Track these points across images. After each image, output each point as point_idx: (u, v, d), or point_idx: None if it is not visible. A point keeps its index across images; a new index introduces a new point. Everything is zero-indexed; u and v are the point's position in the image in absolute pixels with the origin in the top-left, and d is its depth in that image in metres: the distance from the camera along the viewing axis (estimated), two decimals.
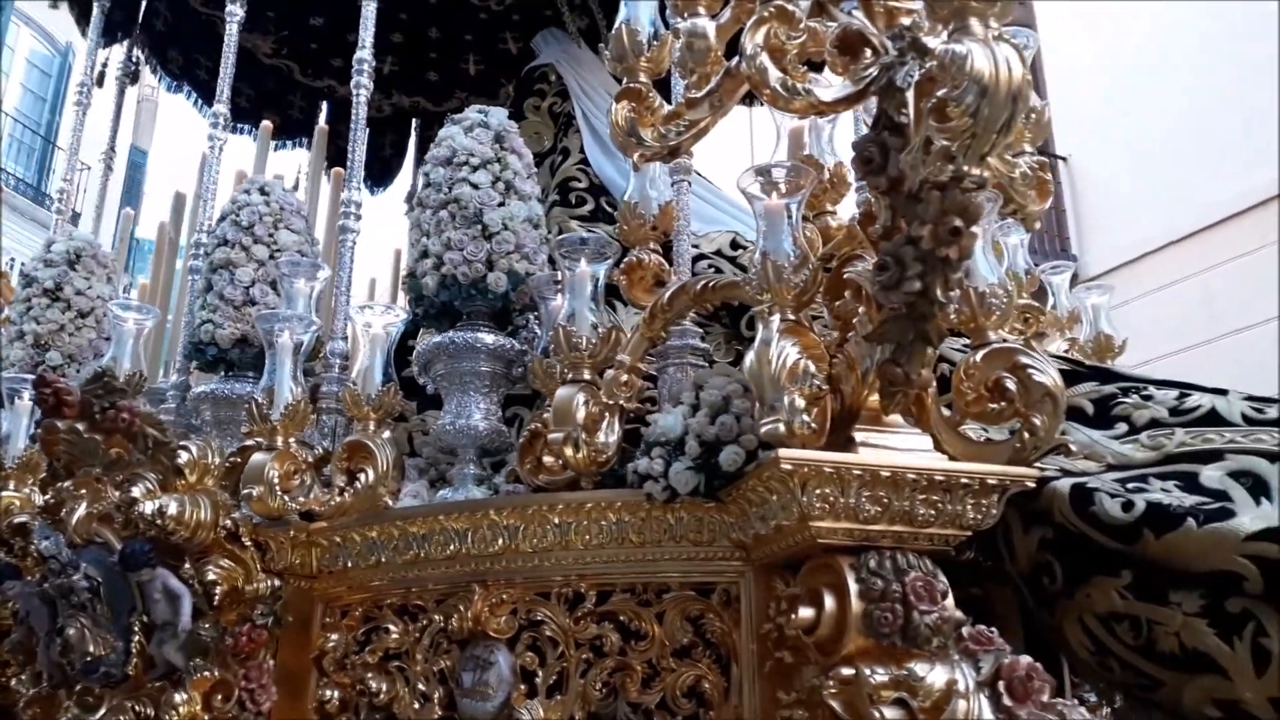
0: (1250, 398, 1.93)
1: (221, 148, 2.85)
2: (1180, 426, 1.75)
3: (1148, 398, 1.85)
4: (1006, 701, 1.31)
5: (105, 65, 3.96)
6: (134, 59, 4.00)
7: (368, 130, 4.81)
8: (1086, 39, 9.67)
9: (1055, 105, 9.93)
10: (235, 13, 2.96)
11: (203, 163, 3.02)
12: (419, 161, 4.83)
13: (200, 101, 4.38)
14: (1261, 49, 8.28)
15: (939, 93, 1.46)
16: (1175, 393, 1.85)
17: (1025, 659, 1.36)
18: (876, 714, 1.37)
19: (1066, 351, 3.41)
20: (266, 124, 3.55)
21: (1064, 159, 9.95)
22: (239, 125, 4.53)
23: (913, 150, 1.53)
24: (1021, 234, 3.56)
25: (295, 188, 3.85)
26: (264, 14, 4.24)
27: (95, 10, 3.59)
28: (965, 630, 1.42)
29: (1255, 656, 1.39)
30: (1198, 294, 8.51)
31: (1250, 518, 1.44)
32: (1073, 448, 1.71)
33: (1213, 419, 1.75)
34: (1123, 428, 1.82)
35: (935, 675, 1.37)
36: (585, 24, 3.84)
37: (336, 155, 4.06)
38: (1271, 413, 1.72)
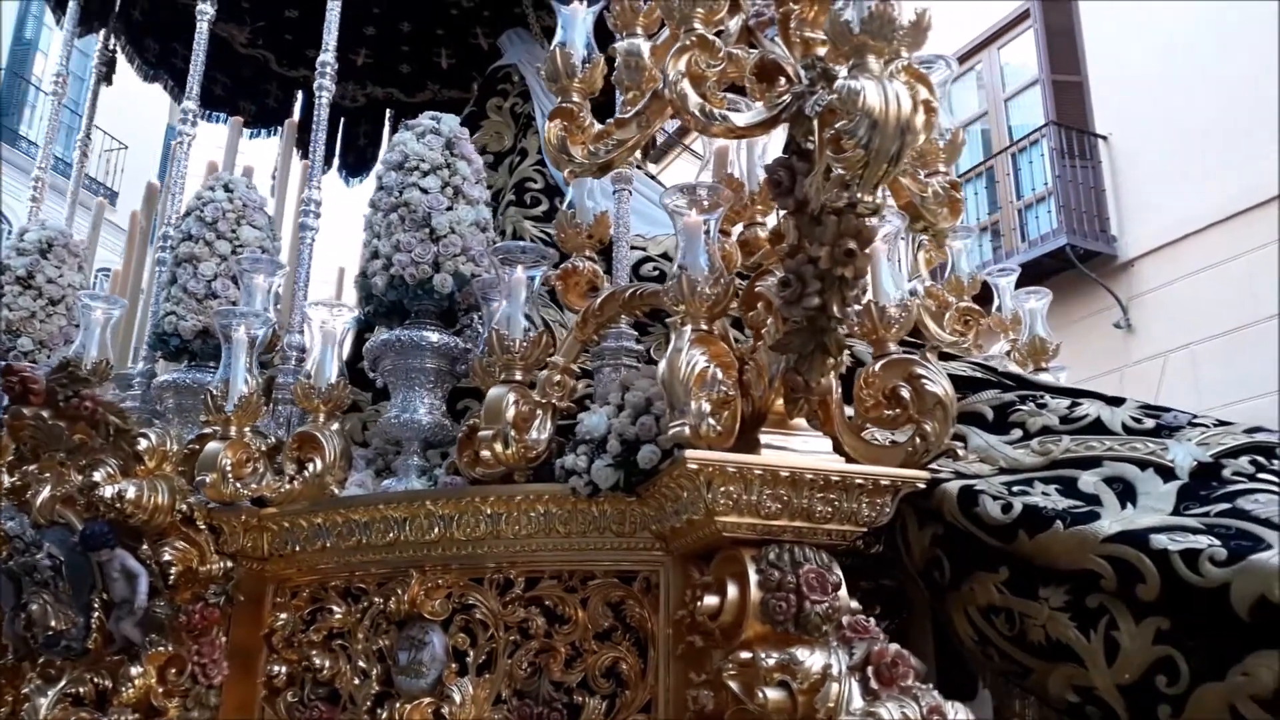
0: (1144, 406, 2.08)
1: (190, 143, 2.95)
2: (1068, 434, 1.89)
3: (1042, 406, 1.98)
4: (874, 685, 1.44)
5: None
6: (110, 49, 4.07)
7: (343, 121, 4.94)
8: (1127, 15, 9.26)
9: (1095, 83, 9.73)
10: (206, 10, 3.05)
11: (170, 155, 3.12)
12: None
13: (176, 90, 4.45)
14: None
15: (838, 124, 1.58)
16: (1067, 401, 1.98)
17: (894, 647, 1.50)
18: (760, 695, 1.51)
19: (1008, 353, 3.55)
20: (236, 118, 3.64)
21: (1104, 138, 9.65)
22: (215, 114, 4.62)
23: (815, 176, 1.66)
24: (967, 239, 3.70)
25: (273, 176, 3.95)
26: (239, 4, 4.32)
27: (71, 3, 3.68)
28: (845, 619, 1.55)
29: (1107, 647, 1.53)
30: (1241, 275, 8.14)
31: (1110, 521, 1.57)
32: (960, 452, 1.84)
33: (1097, 427, 1.89)
34: (1018, 433, 1.95)
35: (814, 660, 1.50)
36: (550, 23, 3.93)
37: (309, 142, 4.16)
38: (1149, 423, 1.86)
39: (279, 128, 4.79)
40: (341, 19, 2.95)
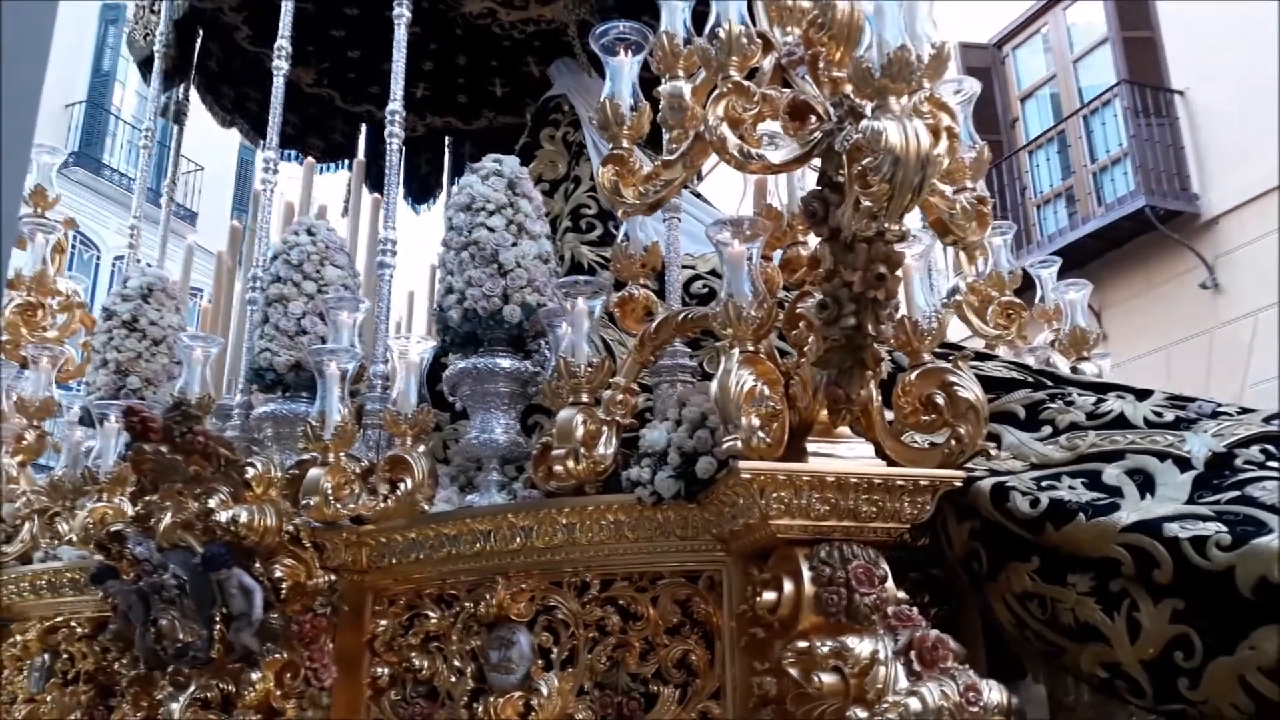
0: (1171, 397, 2.21)
1: (273, 190, 3.20)
2: (1094, 429, 2.04)
3: (1070, 403, 2.13)
4: (916, 667, 1.61)
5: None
6: (186, 99, 4.36)
7: (405, 151, 5.20)
8: None
9: (1169, 37, 9.32)
10: (281, 66, 3.30)
11: (255, 200, 3.38)
12: (453, 177, 5.16)
13: (251, 132, 4.74)
14: None
15: (864, 161, 1.75)
16: (1094, 398, 2.12)
17: (934, 632, 1.66)
18: (816, 679, 1.69)
19: (1051, 343, 3.66)
20: (309, 160, 3.90)
21: (1180, 93, 9.30)
22: (286, 151, 4.90)
23: (846, 207, 1.83)
24: (1007, 235, 3.82)
25: (344, 210, 4.21)
26: (305, 48, 4.58)
27: (156, 61, 3.96)
28: (890, 609, 1.72)
29: (1129, 627, 1.68)
30: None
31: (1128, 511, 1.72)
32: (993, 451, 2.00)
33: (1121, 422, 2.03)
34: (1048, 430, 2.10)
35: (863, 646, 1.68)
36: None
37: (377, 176, 4.41)
38: (1169, 416, 2.00)
39: (346, 161, 5.07)
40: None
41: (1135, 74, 9.42)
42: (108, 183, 14.28)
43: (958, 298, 3.62)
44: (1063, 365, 3.40)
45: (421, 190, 5.27)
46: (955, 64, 11.10)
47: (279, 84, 3.23)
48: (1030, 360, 3.42)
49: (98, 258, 14.10)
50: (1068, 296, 3.52)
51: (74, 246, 13.25)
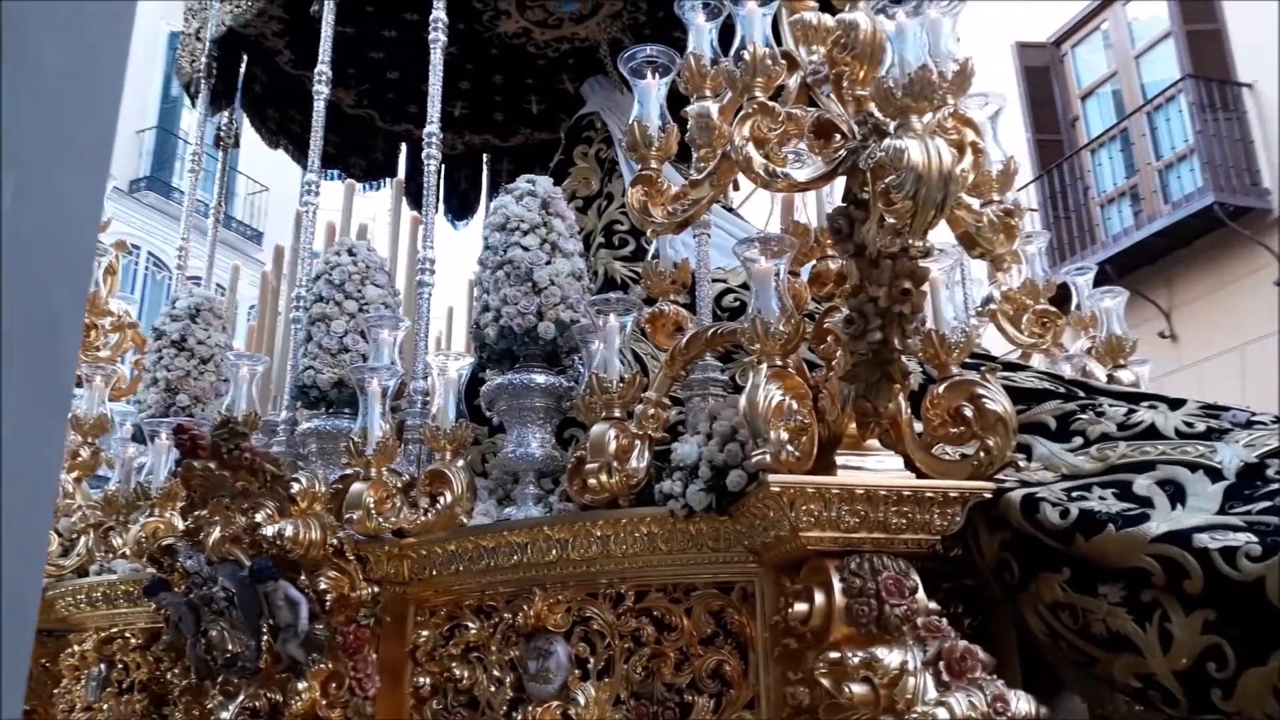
0: (1205, 406, 2.21)
1: (315, 211, 3.28)
2: (1125, 440, 2.04)
3: (1101, 414, 2.13)
4: (945, 678, 1.63)
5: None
6: (234, 124, 4.49)
7: (444, 168, 5.28)
8: None
9: (1235, 29, 9.12)
10: (322, 90, 3.39)
11: (298, 222, 3.47)
12: (491, 193, 5.24)
13: (296, 153, 4.85)
14: None
15: (887, 179, 1.77)
16: (1125, 409, 2.13)
17: (963, 643, 1.68)
18: (847, 689, 1.71)
19: (1088, 350, 3.64)
20: (350, 182, 3.99)
21: (1248, 86, 9.07)
22: (328, 171, 5.02)
23: (870, 224, 1.86)
24: (1041, 242, 3.81)
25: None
26: (346, 70, 4.69)
27: (202, 86, 4.08)
28: (920, 620, 1.74)
29: (1161, 637, 1.69)
30: None
31: (1158, 522, 1.73)
32: (1022, 462, 2.01)
33: (1152, 433, 2.03)
34: (1079, 441, 2.10)
35: (893, 657, 1.70)
36: None
37: (416, 193, 4.50)
38: (1200, 427, 2.00)
39: (387, 180, 5.17)
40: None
41: (1200, 68, 9.23)
42: (177, 205, 14.68)
43: (992, 306, 3.62)
44: (1099, 373, 3.38)
45: (461, 207, 5.35)
46: (1013, 64, 11.06)
47: (319, 107, 3.32)
48: (1066, 369, 3.42)
49: (169, 278, 14.49)
50: (1103, 304, 3.50)
51: (147, 268, 13.71)
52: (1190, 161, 9.25)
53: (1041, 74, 11.12)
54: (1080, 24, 10.97)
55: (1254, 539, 1.60)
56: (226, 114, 4.58)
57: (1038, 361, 3.50)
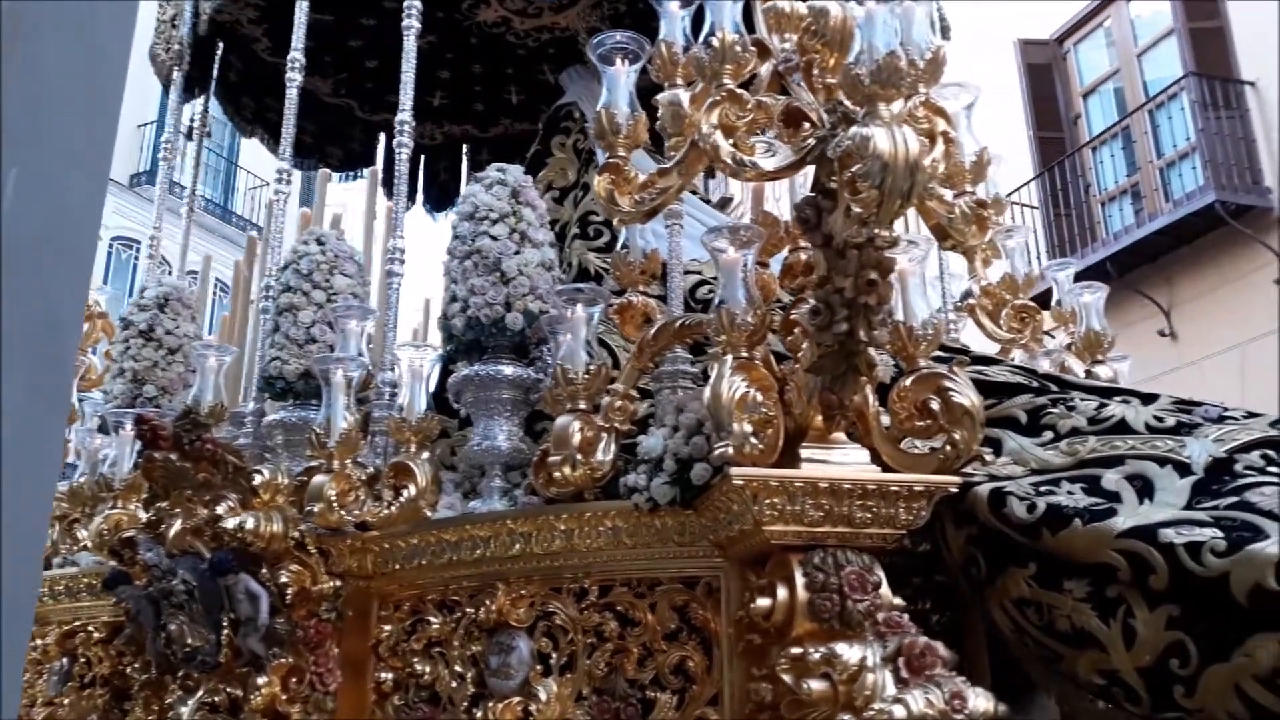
0: (1177, 401, 2.19)
1: (286, 200, 3.24)
2: (1095, 434, 2.01)
3: (1072, 408, 2.11)
4: (904, 674, 1.60)
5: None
6: (205, 110, 4.43)
7: (424, 159, 5.23)
8: None
9: (1238, 27, 9.11)
10: (294, 78, 3.34)
11: (270, 211, 3.42)
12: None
13: (271, 142, 4.79)
14: None
15: (854, 168, 1.74)
16: (1096, 403, 2.10)
17: (923, 639, 1.65)
18: (806, 685, 1.68)
19: (1068, 346, 3.62)
20: (324, 171, 3.94)
21: (1251, 84, 9.04)
22: (305, 160, 4.97)
23: (837, 214, 1.82)
24: (1021, 237, 3.79)
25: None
26: (323, 59, 4.64)
27: (176, 75, 4.03)
28: (881, 615, 1.71)
29: (1125, 634, 1.67)
30: None
31: (1125, 517, 1.70)
32: (989, 456, 1.98)
33: (1122, 427, 2.01)
34: (1049, 435, 2.08)
35: (852, 653, 1.67)
36: None
37: (392, 183, 4.45)
38: (1170, 422, 1.97)
39: (364, 170, 5.12)
40: (417, 66, 3.20)
41: (1203, 66, 9.20)
42: (178, 200, 14.60)
43: (971, 301, 3.59)
44: (1078, 368, 3.36)
45: (440, 198, 5.30)
46: (1015, 60, 11.04)
47: (292, 95, 3.27)
48: (1045, 363, 3.40)
49: (169, 271, 14.41)
50: (1082, 299, 3.48)
51: (150, 260, 13.60)
52: (1192, 159, 9.24)
53: (1044, 71, 11.12)
54: (1082, 21, 10.96)
55: (1219, 534, 1.57)
56: (201, 102, 4.53)
57: (1017, 356, 3.48)
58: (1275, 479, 1.70)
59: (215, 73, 4.42)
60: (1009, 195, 10.70)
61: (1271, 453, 1.78)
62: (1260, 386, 8.46)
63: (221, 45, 4.40)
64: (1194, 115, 9.14)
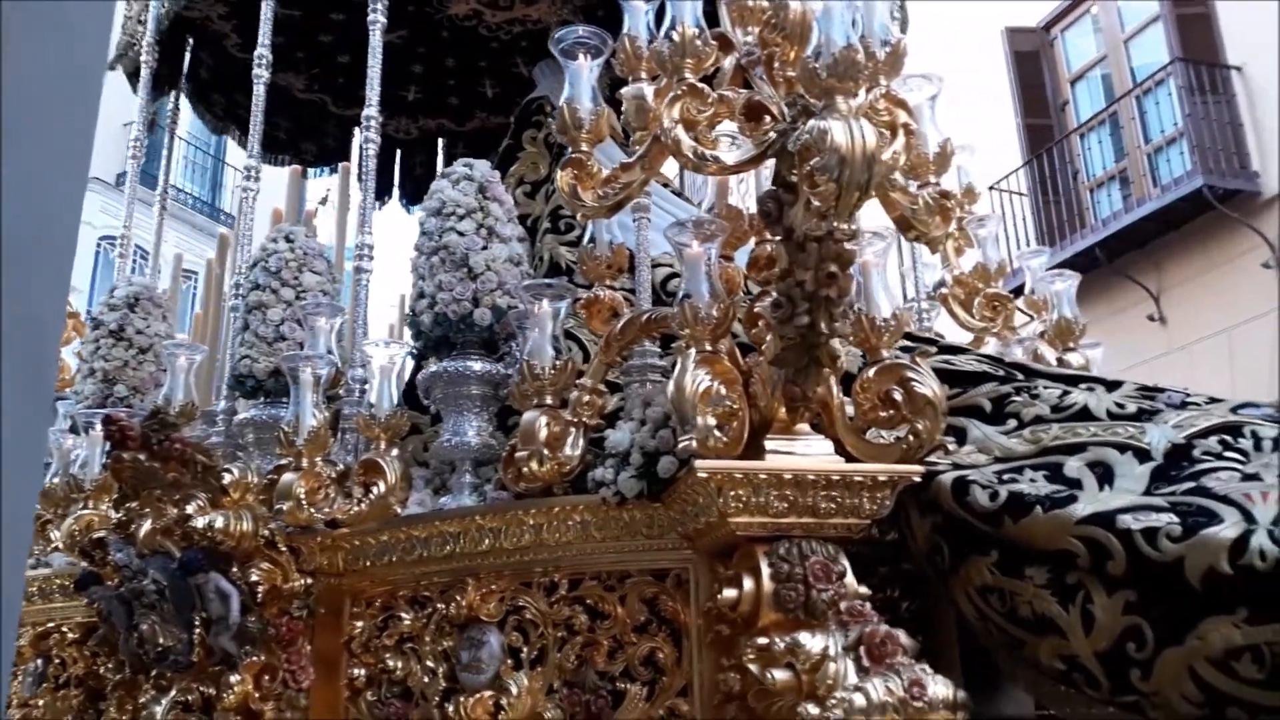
0: (1141, 388, 2.21)
1: (255, 197, 3.23)
2: (1058, 422, 2.03)
3: (1035, 396, 2.12)
4: (866, 663, 1.62)
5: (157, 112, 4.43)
6: (177, 107, 4.41)
7: (399, 153, 5.22)
8: None
9: (1223, 11, 9.16)
10: (262, 74, 3.33)
11: (240, 209, 3.41)
12: None
13: (243, 139, 4.77)
14: None
15: (812, 161, 1.75)
16: (1059, 390, 2.12)
17: (884, 628, 1.67)
18: (770, 675, 1.69)
19: (1041, 334, 3.65)
20: (296, 168, 3.93)
21: (1237, 69, 9.10)
22: (279, 156, 4.95)
23: (798, 207, 1.83)
24: (993, 227, 3.82)
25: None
26: (295, 55, 4.62)
27: (144, 70, 4.00)
28: (843, 605, 1.73)
29: (1084, 619, 1.69)
30: None
31: (1084, 504, 1.72)
32: (951, 446, 2.00)
33: (1084, 415, 2.02)
34: (1013, 423, 2.09)
35: (815, 643, 1.69)
36: None
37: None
38: (1131, 408, 1.99)
39: (339, 165, 5.10)
40: (390, 60, 3.19)
41: (1189, 51, 9.25)
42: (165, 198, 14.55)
43: (944, 290, 3.61)
44: (1050, 356, 3.39)
45: (416, 192, 5.27)
46: (1003, 48, 11.06)
47: (259, 92, 3.26)
48: (1019, 352, 3.42)
49: (147, 270, 14.34)
50: (1054, 288, 3.50)
51: (134, 259, 13.54)
52: (1179, 145, 9.28)
53: (1031, 59, 11.16)
54: (1069, 8, 11.02)
55: (1175, 519, 1.59)
56: (171, 99, 4.50)
57: (991, 344, 3.50)
58: (1231, 464, 1.72)
59: (185, 69, 4.40)
60: (998, 183, 10.80)
61: (1229, 438, 1.81)
62: (1249, 370, 8.54)
63: (190, 41, 4.38)
64: (1181, 100, 9.19)
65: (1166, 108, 9.53)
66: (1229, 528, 1.53)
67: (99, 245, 12.72)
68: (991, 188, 10.80)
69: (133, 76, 4.24)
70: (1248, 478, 1.65)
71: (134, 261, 3.72)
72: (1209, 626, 1.51)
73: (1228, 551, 1.49)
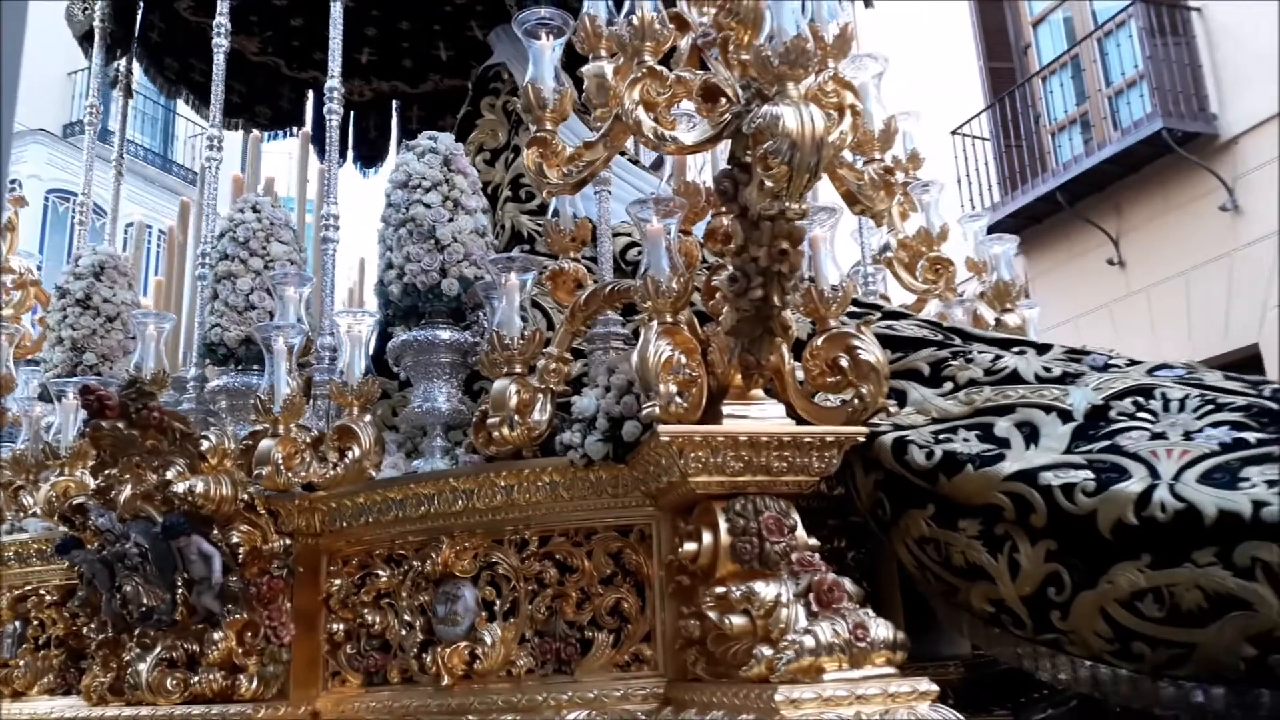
0: (1068, 350, 2.38)
1: (218, 166, 3.27)
2: (990, 385, 2.20)
3: (970, 360, 2.29)
4: (814, 608, 1.78)
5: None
6: (129, 71, 4.39)
7: (353, 115, 5.23)
8: None
9: None
10: (221, 43, 3.35)
11: (202, 176, 3.45)
12: (401, 140, 5.21)
13: (197, 102, 4.77)
14: None
15: (765, 145, 1.87)
16: (992, 355, 2.29)
17: (831, 576, 1.83)
18: (728, 621, 1.85)
19: (980, 295, 3.82)
20: (254, 134, 3.96)
21: (1197, 9, 9.11)
22: (233, 120, 4.95)
23: (752, 186, 1.95)
24: (936, 192, 3.97)
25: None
26: (249, 18, 4.61)
27: (97, 34, 3.98)
28: (794, 555, 1.88)
29: (1011, 567, 1.86)
30: None
31: (1011, 462, 1.89)
32: (893, 409, 2.15)
33: (1014, 378, 2.19)
34: (949, 386, 2.26)
35: (768, 591, 1.84)
36: None
37: (323, 142, 4.46)
38: (1057, 371, 2.16)
39: (294, 128, 5.11)
40: (344, 23, 3.21)
41: None
42: (112, 149, 14.17)
43: (889, 254, 3.77)
44: (989, 316, 3.57)
45: (370, 154, 5.32)
46: None
47: (219, 61, 3.29)
48: (959, 312, 3.60)
49: (106, 224, 14.03)
50: (992, 251, 3.67)
51: (86, 215, 13.23)
52: (1140, 87, 9.33)
53: (994, 3, 11.14)
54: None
55: (1091, 475, 1.76)
56: (124, 61, 4.48)
57: (933, 306, 3.67)
58: (1142, 424, 1.90)
59: (137, 32, 4.38)
60: (960, 127, 10.86)
61: (1141, 399, 1.98)
62: (1205, 312, 8.72)
63: (142, 4, 4.35)
64: (1142, 42, 9.23)
65: (1128, 50, 9.56)
66: (1135, 483, 1.71)
67: (47, 198, 12.45)
68: (954, 132, 10.89)
69: (83, 40, 4.22)
70: (1155, 436, 1.83)
71: (85, 219, 3.71)
72: (1118, 571, 1.69)
73: (1134, 504, 1.67)
